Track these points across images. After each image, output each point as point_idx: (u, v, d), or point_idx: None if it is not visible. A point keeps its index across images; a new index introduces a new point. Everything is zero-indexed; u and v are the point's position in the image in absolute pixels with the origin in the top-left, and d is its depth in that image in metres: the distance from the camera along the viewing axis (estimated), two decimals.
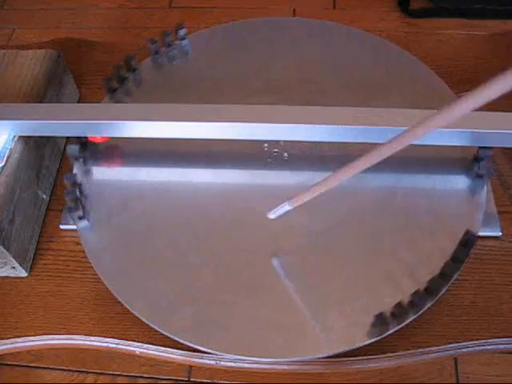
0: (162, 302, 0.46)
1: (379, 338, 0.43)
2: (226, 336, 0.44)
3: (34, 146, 0.54)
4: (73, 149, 0.53)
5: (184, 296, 0.46)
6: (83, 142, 0.54)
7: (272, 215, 0.42)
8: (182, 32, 0.63)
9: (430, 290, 0.44)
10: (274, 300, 0.46)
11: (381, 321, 0.43)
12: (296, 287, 0.47)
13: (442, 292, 0.45)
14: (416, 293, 0.44)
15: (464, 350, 0.46)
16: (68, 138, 0.61)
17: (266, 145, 0.55)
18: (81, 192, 0.52)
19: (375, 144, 0.33)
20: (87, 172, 0.54)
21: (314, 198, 0.39)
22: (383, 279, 0.46)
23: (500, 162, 0.56)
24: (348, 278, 0.46)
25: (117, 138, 0.53)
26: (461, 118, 0.26)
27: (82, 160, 0.54)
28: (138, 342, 0.48)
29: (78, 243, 0.51)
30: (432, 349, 0.46)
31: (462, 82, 0.62)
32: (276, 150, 0.55)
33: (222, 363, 0.46)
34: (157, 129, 0.51)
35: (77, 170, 0.54)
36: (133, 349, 0.48)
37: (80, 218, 0.51)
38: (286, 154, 0.54)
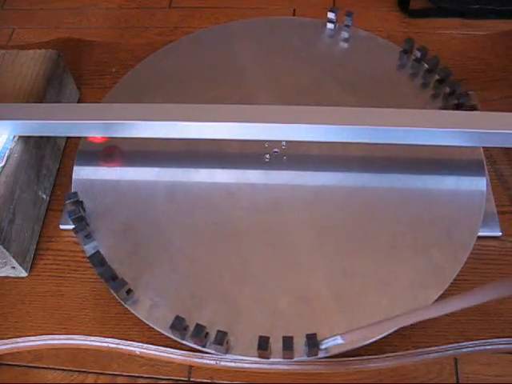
0: (162, 302, 0.46)
1: (379, 338, 0.43)
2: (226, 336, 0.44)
3: (33, 145, 0.54)
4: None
5: (184, 296, 0.46)
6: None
7: (323, 346, 0.42)
8: None
9: None
10: (274, 300, 0.46)
11: None
12: (296, 288, 0.47)
13: (442, 292, 0.45)
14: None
15: (464, 350, 0.46)
16: (68, 137, 0.61)
17: (266, 144, 0.55)
18: (84, 210, 0.51)
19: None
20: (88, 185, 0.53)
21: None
22: (383, 280, 0.46)
23: (500, 162, 0.56)
24: (348, 279, 0.46)
25: (115, 140, 0.53)
26: None
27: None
28: (138, 341, 0.48)
29: (78, 243, 0.51)
30: (432, 349, 0.46)
31: (462, 82, 0.61)
32: (276, 149, 0.55)
33: (222, 363, 0.46)
34: (157, 129, 0.51)
35: (77, 188, 0.53)
36: (133, 349, 0.48)
37: (86, 237, 0.50)
38: (285, 146, 0.54)
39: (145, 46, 0.69)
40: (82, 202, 0.51)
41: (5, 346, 0.50)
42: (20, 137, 0.53)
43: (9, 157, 0.51)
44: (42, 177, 0.56)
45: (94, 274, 0.49)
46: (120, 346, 0.48)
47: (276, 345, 0.43)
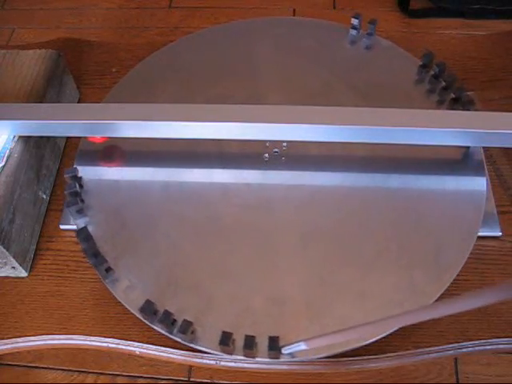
0: (138, 284, 0.47)
1: (379, 338, 0.43)
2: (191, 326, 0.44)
3: (33, 145, 0.54)
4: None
5: (184, 296, 0.46)
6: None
7: (286, 351, 0.42)
8: None
9: None
10: (246, 298, 0.46)
11: None
12: (270, 289, 0.46)
13: (442, 292, 0.45)
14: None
15: (464, 350, 0.46)
16: (68, 137, 0.61)
17: (267, 144, 0.55)
18: (81, 187, 0.52)
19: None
20: (88, 170, 0.54)
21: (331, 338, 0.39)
22: (383, 280, 0.46)
23: (500, 162, 0.56)
24: (348, 280, 0.46)
25: (116, 140, 0.53)
26: None
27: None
28: (138, 341, 0.48)
29: (78, 243, 0.51)
30: (432, 349, 0.46)
31: (462, 82, 0.61)
32: (276, 149, 0.55)
33: (222, 363, 0.46)
34: (157, 129, 0.51)
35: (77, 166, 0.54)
36: (133, 349, 0.48)
37: (78, 212, 0.50)
38: (285, 146, 0.54)
39: (145, 46, 0.69)
40: (80, 177, 0.52)
41: (5, 346, 0.50)
42: (20, 137, 0.53)
43: (9, 157, 0.51)
44: (42, 177, 0.56)
45: (94, 274, 0.49)
46: (120, 346, 0.48)
47: (240, 342, 0.43)
